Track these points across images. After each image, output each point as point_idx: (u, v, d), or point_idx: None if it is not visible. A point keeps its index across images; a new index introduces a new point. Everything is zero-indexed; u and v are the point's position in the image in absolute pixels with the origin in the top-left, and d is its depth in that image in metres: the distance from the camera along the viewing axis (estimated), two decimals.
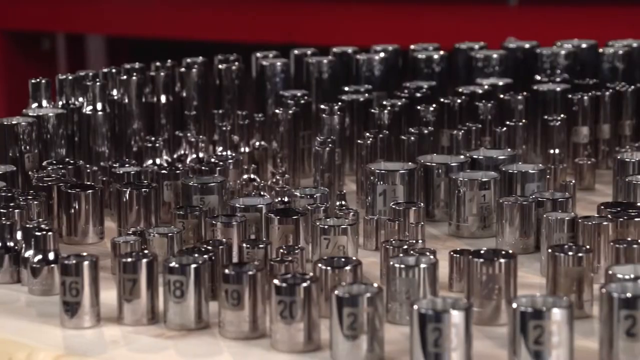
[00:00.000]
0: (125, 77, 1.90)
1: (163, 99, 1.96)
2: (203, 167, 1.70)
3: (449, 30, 3.53)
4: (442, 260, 1.33)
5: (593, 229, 1.38)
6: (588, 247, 1.31)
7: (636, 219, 1.41)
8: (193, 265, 1.26)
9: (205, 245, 1.36)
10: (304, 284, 1.19)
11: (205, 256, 1.30)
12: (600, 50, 2.12)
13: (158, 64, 2.04)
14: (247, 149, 1.89)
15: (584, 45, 2.14)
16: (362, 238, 1.53)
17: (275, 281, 1.20)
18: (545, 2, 3.65)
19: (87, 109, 1.84)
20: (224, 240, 1.40)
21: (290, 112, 1.87)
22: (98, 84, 1.84)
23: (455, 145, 1.79)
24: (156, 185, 1.60)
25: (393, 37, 2.67)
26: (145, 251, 1.34)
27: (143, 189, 1.57)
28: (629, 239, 1.37)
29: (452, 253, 1.38)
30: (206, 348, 1.22)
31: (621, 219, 1.41)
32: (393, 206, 1.53)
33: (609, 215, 1.42)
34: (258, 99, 2.10)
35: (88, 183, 1.66)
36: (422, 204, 1.54)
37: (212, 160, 1.74)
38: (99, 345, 1.24)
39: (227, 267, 1.24)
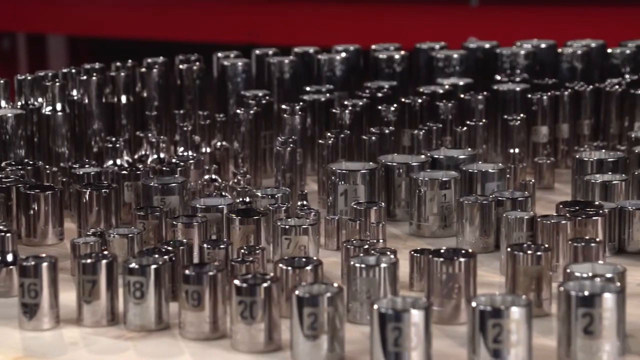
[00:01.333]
0: (85, 77, 1.89)
1: (123, 99, 1.95)
2: (164, 168, 1.69)
3: (411, 30, 3.54)
4: (403, 260, 1.34)
5: (552, 228, 1.39)
6: (547, 245, 1.32)
7: (594, 218, 1.43)
8: (153, 266, 1.25)
9: (165, 246, 1.36)
10: (265, 284, 1.19)
11: (166, 257, 1.29)
12: (559, 50, 2.13)
13: (118, 64, 2.04)
14: (208, 149, 1.89)
15: (543, 46, 2.15)
16: (324, 238, 1.54)
17: (236, 281, 1.20)
18: (506, 2, 3.68)
19: (47, 110, 1.83)
20: (184, 240, 1.39)
21: (252, 112, 1.87)
22: (57, 84, 1.83)
23: (416, 145, 1.79)
24: (116, 186, 1.60)
25: (354, 37, 2.67)
26: (105, 252, 1.33)
27: (103, 190, 1.56)
28: (587, 237, 1.38)
29: (412, 252, 1.38)
30: (166, 349, 1.22)
31: (579, 218, 1.43)
32: (354, 206, 1.53)
33: (567, 214, 1.43)
34: (219, 99, 2.10)
35: (47, 184, 1.65)
36: (383, 204, 1.54)
37: (173, 160, 1.74)
38: (58, 347, 1.23)
39: (187, 268, 1.24)
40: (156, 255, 1.29)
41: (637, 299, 1.30)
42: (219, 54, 2.16)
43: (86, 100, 1.89)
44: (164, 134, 1.95)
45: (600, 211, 1.45)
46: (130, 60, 2.06)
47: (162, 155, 1.85)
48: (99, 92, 1.90)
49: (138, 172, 1.65)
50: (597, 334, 1.12)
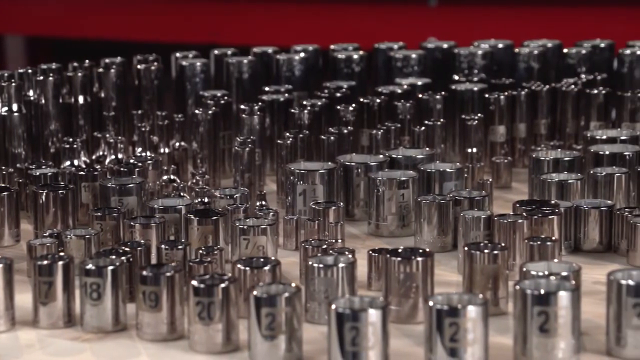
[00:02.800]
0: (41, 77, 1.88)
1: (81, 99, 1.94)
2: (122, 168, 1.68)
3: (369, 31, 3.55)
4: (361, 259, 1.34)
5: (508, 227, 1.40)
6: (503, 244, 1.33)
7: (550, 217, 1.44)
8: (110, 267, 1.25)
9: (123, 247, 1.35)
10: (222, 285, 1.19)
11: (123, 258, 1.29)
12: (516, 50, 2.15)
13: (75, 64, 2.02)
14: (166, 150, 1.88)
15: (500, 46, 2.17)
16: (282, 238, 1.53)
17: (194, 282, 1.20)
18: (464, 2, 3.70)
19: (3, 110, 1.81)
20: (142, 241, 1.39)
21: (210, 112, 1.87)
22: (13, 84, 1.81)
23: (375, 145, 1.80)
24: (74, 186, 1.59)
25: (313, 37, 2.68)
26: (62, 253, 1.32)
27: (60, 191, 1.55)
28: (543, 236, 1.39)
29: (370, 252, 1.39)
30: (124, 350, 1.21)
31: (535, 217, 1.44)
32: (313, 206, 1.53)
33: (524, 213, 1.44)
34: (178, 99, 2.09)
35: (3, 185, 1.64)
36: (341, 204, 1.54)
37: (131, 161, 1.73)
38: (14, 349, 1.22)
39: (144, 269, 1.24)
40: (113, 257, 1.29)
41: (592, 297, 1.32)
42: (177, 54, 2.15)
43: (43, 101, 1.87)
44: (121, 135, 1.94)
45: (556, 210, 1.46)
46: (87, 61, 2.05)
47: (120, 155, 1.84)
48: (55, 92, 1.88)
49: (95, 173, 1.64)
50: (552, 332, 1.13)
